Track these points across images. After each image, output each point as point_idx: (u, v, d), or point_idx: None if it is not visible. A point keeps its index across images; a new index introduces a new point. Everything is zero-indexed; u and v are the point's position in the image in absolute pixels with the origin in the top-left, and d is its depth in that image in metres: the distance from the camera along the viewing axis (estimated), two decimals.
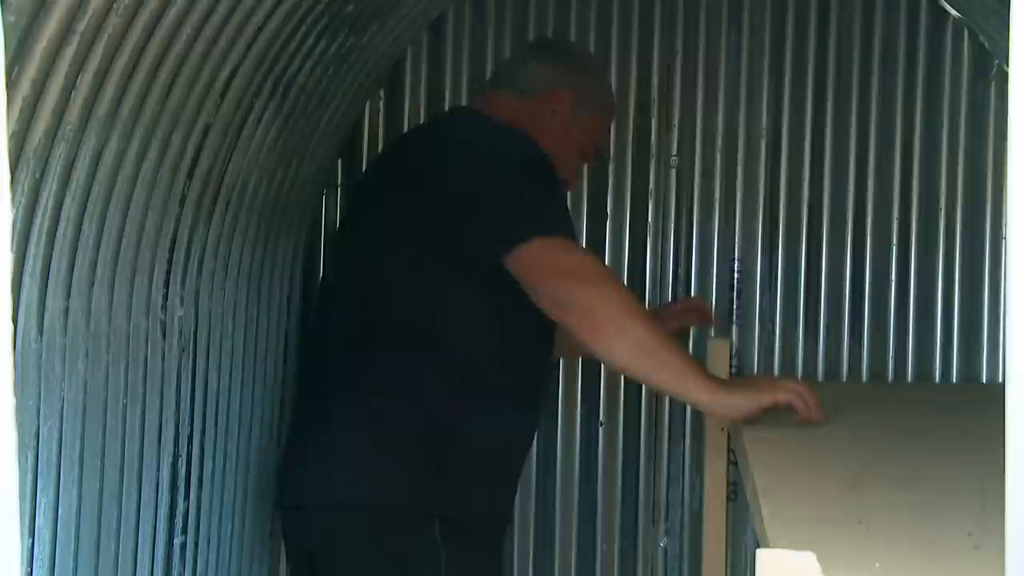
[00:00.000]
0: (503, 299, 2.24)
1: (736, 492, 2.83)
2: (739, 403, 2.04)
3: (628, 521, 3.13)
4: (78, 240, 1.69)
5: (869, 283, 3.09)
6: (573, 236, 2.26)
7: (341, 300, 2.43)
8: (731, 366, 2.85)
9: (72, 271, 1.69)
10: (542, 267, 2.17)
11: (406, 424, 2.31)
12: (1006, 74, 3.01)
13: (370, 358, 2.35)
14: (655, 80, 3.10)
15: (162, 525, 2.09)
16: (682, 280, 3.10)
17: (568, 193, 2.61)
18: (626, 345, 2.10)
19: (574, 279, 2.13)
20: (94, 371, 1.79)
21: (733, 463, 2.60)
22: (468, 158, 2.31)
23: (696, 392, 2.09)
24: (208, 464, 2.28)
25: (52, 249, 1.62)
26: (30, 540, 1.63)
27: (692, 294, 3.07)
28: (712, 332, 3.00)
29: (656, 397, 3.09)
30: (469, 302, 2.31)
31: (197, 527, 2.25)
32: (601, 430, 3.12)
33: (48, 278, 1.63)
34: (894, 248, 3.09)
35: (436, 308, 2.32)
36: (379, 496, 2.29)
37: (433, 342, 2.32)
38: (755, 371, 3.08)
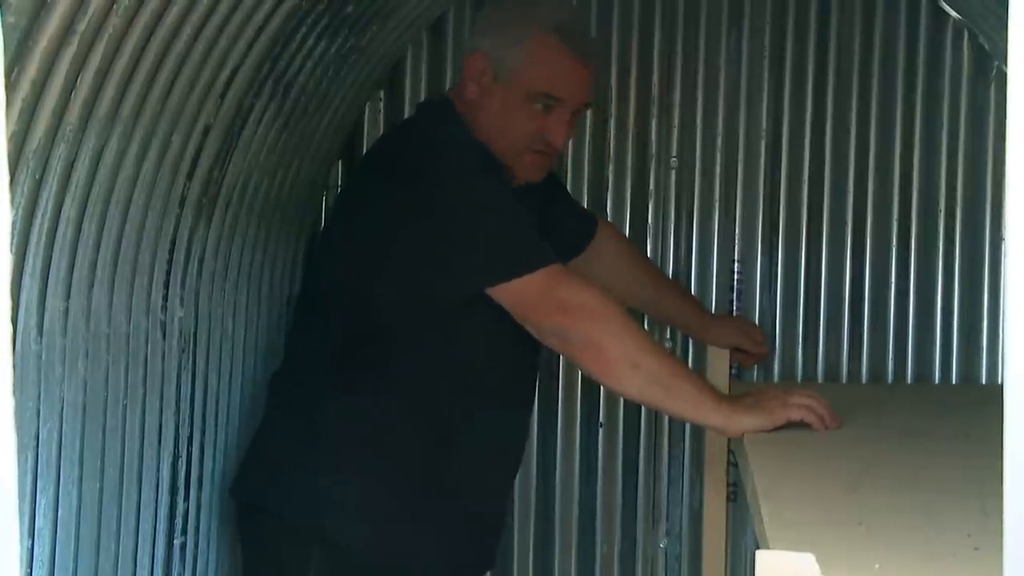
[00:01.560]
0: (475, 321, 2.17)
1: (736, 493, 2.83)
2: (752, 424, 2.01)
3: (628, 522, 3.13)
4: (78, 241, 1.69)
5: (869, 284, 3.09)
6: (554, 258, 2.11)
7: (315, 306, 2.36)
8: (731, 368, 2.85)
9: (72, 272, 1.69)
10: (540, 304, 2.08)
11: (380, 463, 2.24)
12: (1005, 75, 3.01)
13: (330, 378, 2.26)
14: (655, 81, 3.10)
15: (162, 526, 2.09)
16: (682, 280, 3.10)
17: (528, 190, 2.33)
18: (639, 380, 2.07)
19: (578, 315, 2.06)
20: (94, 372, 1.79)
21: (733, 464, 2.61)
22: (421, 197, 2.13)
23: (710, 417, 2.07)
24: (208, 465, 2.28)
25: (52, 250, 1.62)
26: (30, 541, 1.63)
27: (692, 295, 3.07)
28: None
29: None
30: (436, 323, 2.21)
31: (197, 528, 2.25)
32: (601, 431, 3.12)
33: (48, 279, 1.63)
34: (894, 249, 3.09)
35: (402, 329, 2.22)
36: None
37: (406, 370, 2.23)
38: (754, 375, 3.08)
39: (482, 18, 2.33)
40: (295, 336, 2.47)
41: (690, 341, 3.08)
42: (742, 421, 2.02)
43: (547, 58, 2.22)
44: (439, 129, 2.26)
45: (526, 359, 2.37)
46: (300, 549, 2.21)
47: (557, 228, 2.46)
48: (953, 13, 3.06)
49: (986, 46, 3.04)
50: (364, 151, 3.04)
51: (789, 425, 2.01)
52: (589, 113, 3.06)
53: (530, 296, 2.09)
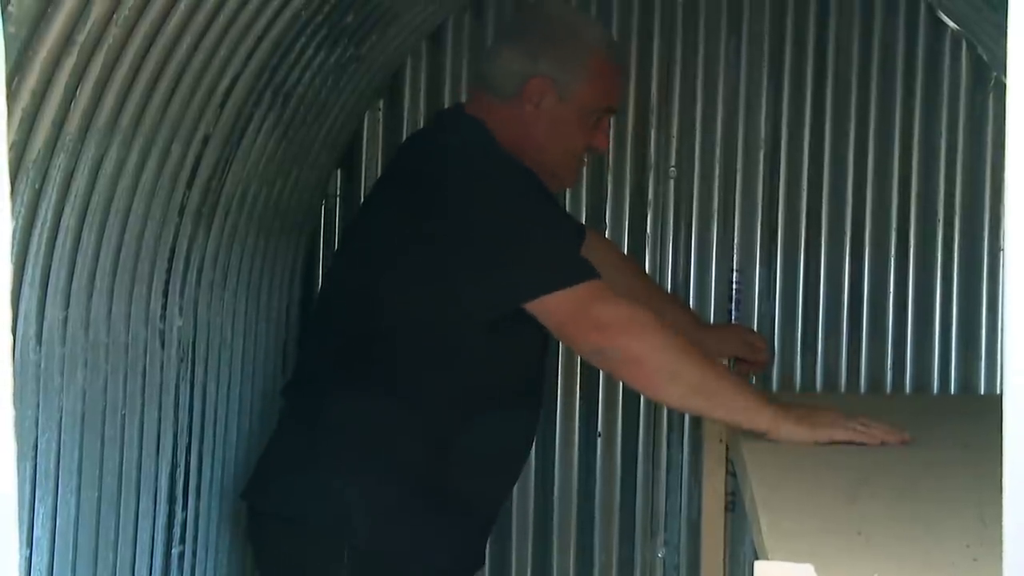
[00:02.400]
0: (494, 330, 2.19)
1: (735, 502, 2.83)
2: (795, 435, 2.02)
3: (626, 531, 3.13)
4: (77, 250, 1.69)
5: (867, 293, 3.10)
6: (593, 273, 2.14)
7: (332, 315, 2.37)
8: None
9: (71, 281, 1.69)
10: (577, 321, 2.10)
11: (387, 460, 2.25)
12: (1004, 85, 3.01)
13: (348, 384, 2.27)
14: (654, 90, 3.10)
15: (160, 535, 2.09)
16: (681, 290, 3.10)
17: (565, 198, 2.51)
18: (680, 391, 2.09)
19: (613, 331, 2.08)
20: (93, 381, 1.79)
21: (731, 473, 2.60)
22: (461, 208, 2.17)
23: (755, 422, 2.07)
24: (206, 474, 2.28)
25: (51, 259, 1.62)
26: (28, 550, 1.63)
27: (691, 304, 3.07)
28: None
29: (655, 407, 3.09)
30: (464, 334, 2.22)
31: (195, 537, 2.25)
32: (599, 441, 3.12)
33: (47, 288, 1.63)
34: (892, 258, 3.09)
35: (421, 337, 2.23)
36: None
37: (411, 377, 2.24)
38: (751, 383, 3.08)
39: (525, 40, 2.33)
40: (309, 344, 2.48)
41: None
42: (793, 430, 2.02)
43: (604, 74, 2.33)
44: (472, 148, 2.28)
45: (534, 365, 2.38)
46: (316, 553, 2.21)
47: None
48: (951, 24, 3.07)
49: (984, 56, 3.05)
50: (363, 160, 3.05)
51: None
52: None
53: (566, 312, 2.11)
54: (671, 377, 2.07)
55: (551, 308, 2.12)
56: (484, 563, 2.53)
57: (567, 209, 3.00)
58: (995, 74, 3.04)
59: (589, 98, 2.31)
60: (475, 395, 2.28)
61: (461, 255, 2.16)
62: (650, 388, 2.16)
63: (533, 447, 3.05)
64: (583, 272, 2.13)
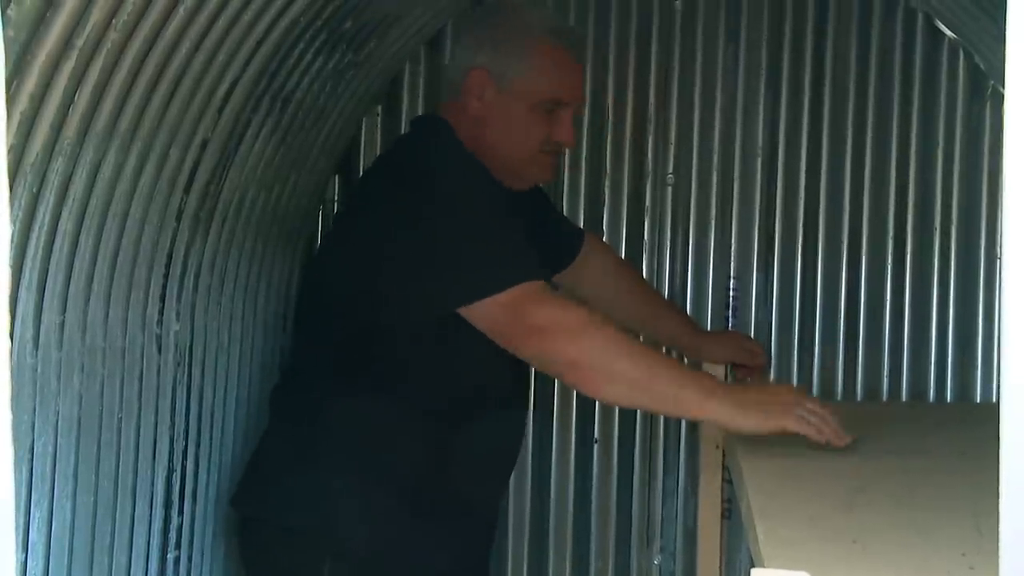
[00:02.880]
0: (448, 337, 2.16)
1: (731, 510, 2.83)
2: (748, 424, 1.96)
3: (622, 538, 3.13)
4: (75, 254, 1.69)
5: (864, 301, 3.10)
6: (530, 275, 2.07)
7: (304, 318, 2.38)
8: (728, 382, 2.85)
9: (68, 285, 1.69)
10: (512, 326, 2.05)
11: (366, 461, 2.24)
12: (1001, 94, 3.02)
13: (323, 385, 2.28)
14: (652, 97, 3.10)
15: (156, 540, 2.09)
16: (678, 297, 3.10)
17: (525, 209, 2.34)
18: (622, 390, 2.04)
19: (551, 335, 2.03)
20: (89, 385, 1.79)
21: (728, 481, 2.60)
22: (404, 211, 2.14)
23: (702, 411, 2.03)
24: (203, 478, 2.28)
25: (48, 263, 1.62)
26: (24, 554, 1.63)
27: (688, 311, 3.07)
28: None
29: (651, 414, 3.09)
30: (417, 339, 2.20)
31: (191, 542, 2.25)
32: (596, 447, 3.12)
33: (44, 292, 1.63)
34: (889, 266, 3.10)
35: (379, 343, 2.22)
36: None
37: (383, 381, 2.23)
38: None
39: (470, 33, 2.31)
40: (292, 347, 2.47)
41: (684, 359, 3.08)
42: (740, 419, 1.96)
43: (548, 65, 2.24)
44: (429, 148, 2.27)
45: (504, 369, 2.32)
46: (310, 558, 2.20)
47: (541, 242, 2.46)
48: (949, 33, 3.07)
49: (982, 65, 3.06)
50: (361, 165, 3.05)
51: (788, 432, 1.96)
52: (585, 130, 3.07)
53: (501, 318, 2.06)
54: (610, 377, 2.02)
55: (484, 314, 2.06)
56: (488, 570, 2.51)
57: (564, 213, 3.00)
58: (992, 83, 3.05)
59: (531, 88, 2.22)
60: (450, 398, 2.25)
61: (396, 260, 2.13)
62: (592, 389, 2.11)
63: (530, 453, 3.06)
64: (516, 275, 2.06)
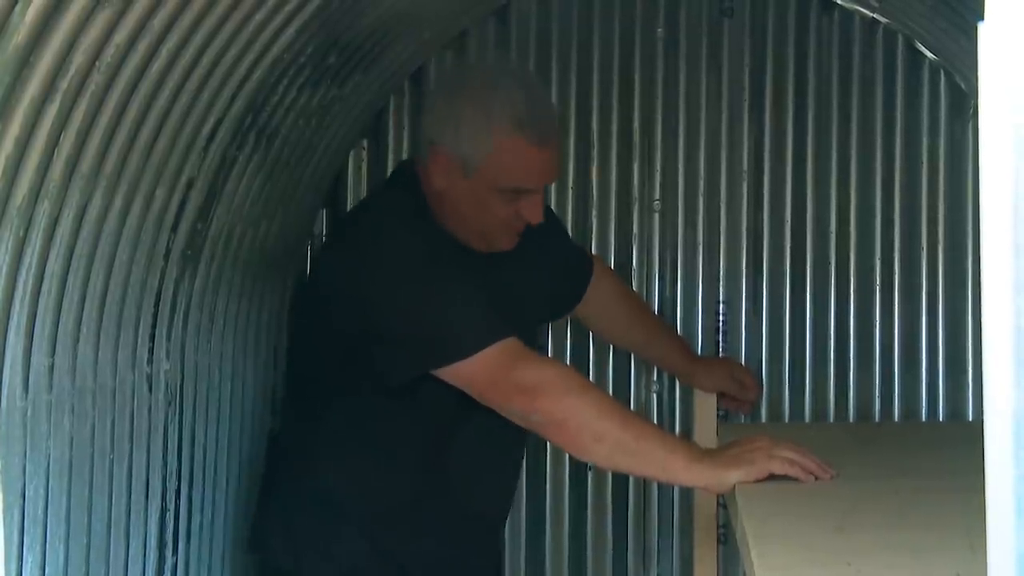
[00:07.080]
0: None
1: (726, 535, 2.82)
2: (736, 477, 1.95)
3: (618, 564, 3.12)
4: (63, 296, 1.69)
5: (854, 323, 3.10)
6: (500, 334, 2.08)
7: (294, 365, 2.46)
8: (718, 412, 2.86)
9: (57, 327, 1.69)
10: (495, 386, 2.06)
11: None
12: None
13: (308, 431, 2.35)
14: (636, 124, 3.12)
15: None
16: (668, 322, 3.10)
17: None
18: (606, 451, 2.04)
19: (534, 395, 2.03)
20: (80, 427, 1.79)
21: (723, 505, 2.60)
22: (366, 284, 2.17)
23: (685, 478, 2.04)
24: (196, 518, 2.27)
25: (36, 306, 1.62)
26: None
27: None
28: None
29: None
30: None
31: None
32: (590, 474, 3.11)
33: (33, 335, 1.62)
34: (877, 287, 3.10)
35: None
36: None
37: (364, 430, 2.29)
38: (741, 415, 3.08)
39: (435, 109, 2.28)
40: (288, 394, 2.54)
41: (677, 383, 3.09)
42: (725, 476, 1.96)
43: (512, 158, 2.20)
44: (393, 211, 2.29)
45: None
46: None
47: (556, 273, 2.50)
48: (929, 54, 3.10)
49: (963, 86, 3.08)
50: (349, 199, 3.06)
51: (776, 476, 1.96)
52: (571, 160, 3.09)
53: (481, 378, 2.07)
54: (595, 437, 2.02)
55: (463, 376, 2.08)
56: None
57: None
58: (974, 102, 3.07)
59: (494, 177, 2.20)
60: (445, 442, 2.29)
61: (364, 326, 2.16)
62: (576, 449, 2.13)
63: (524, 480, 3.05)
64: (489, 335, 2.07)
